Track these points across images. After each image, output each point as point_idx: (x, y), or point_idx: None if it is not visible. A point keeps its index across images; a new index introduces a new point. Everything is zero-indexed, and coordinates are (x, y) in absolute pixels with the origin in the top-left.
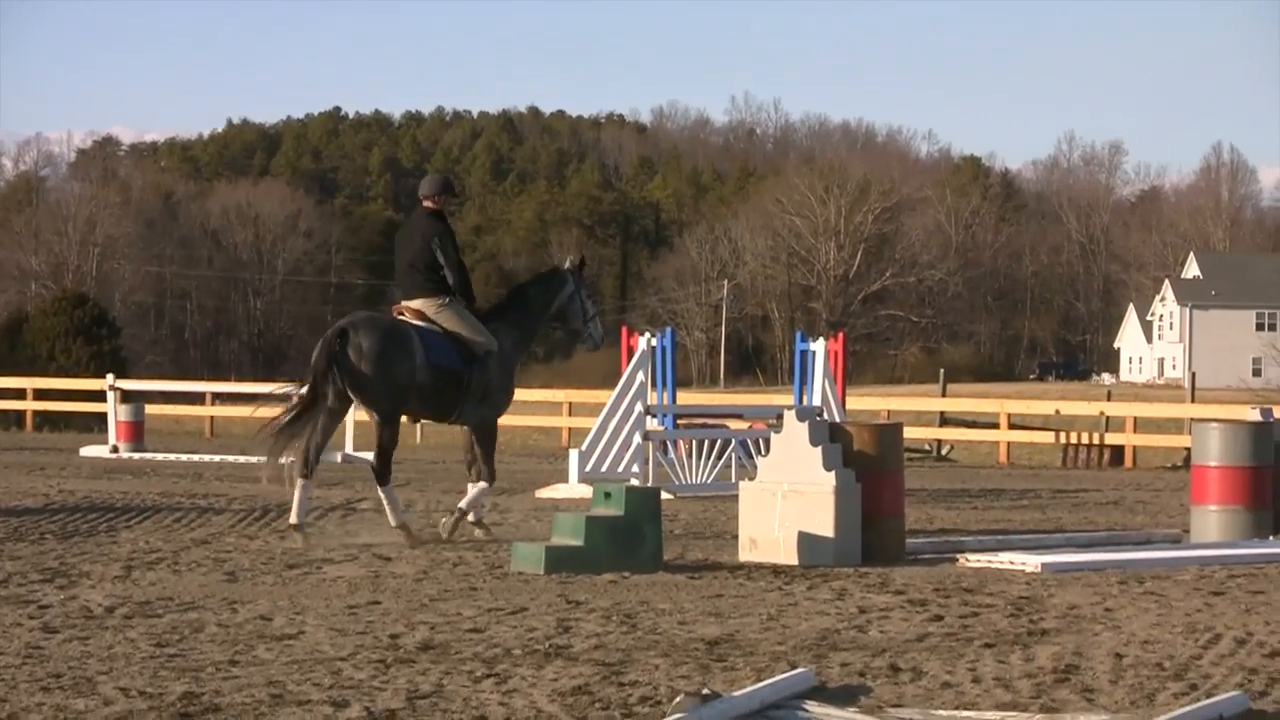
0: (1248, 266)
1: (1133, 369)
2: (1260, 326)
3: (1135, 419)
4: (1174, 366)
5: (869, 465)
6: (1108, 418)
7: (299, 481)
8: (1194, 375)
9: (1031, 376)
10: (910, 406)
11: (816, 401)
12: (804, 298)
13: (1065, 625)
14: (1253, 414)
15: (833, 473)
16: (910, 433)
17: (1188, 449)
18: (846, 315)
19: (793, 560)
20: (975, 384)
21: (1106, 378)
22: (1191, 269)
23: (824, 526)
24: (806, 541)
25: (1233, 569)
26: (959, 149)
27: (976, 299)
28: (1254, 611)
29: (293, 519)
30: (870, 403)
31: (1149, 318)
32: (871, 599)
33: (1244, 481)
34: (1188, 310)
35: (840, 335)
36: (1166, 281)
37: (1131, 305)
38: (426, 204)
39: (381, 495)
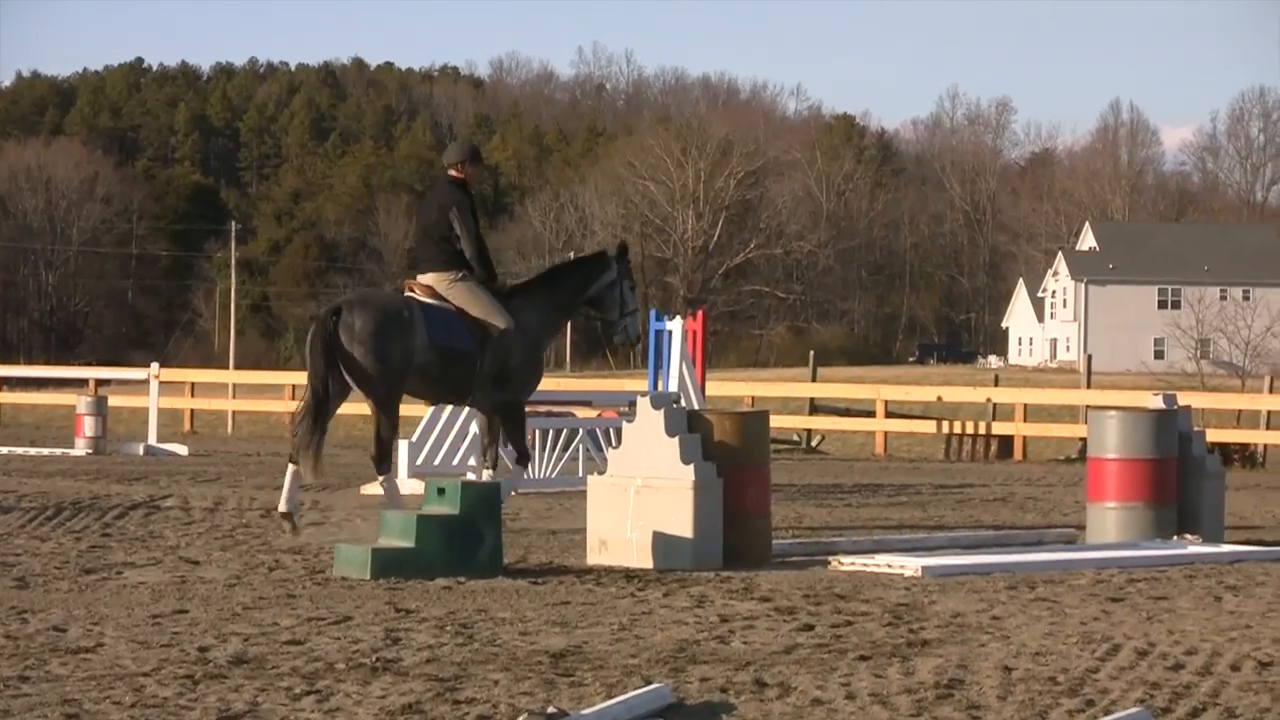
0: (1149, 237)
1: (1022, 351)
2: (1163, 303)
3: (1025, 406)
4: (1068, 348)
5: (732, 458)
6: (995, 405)
7: (290, 467)
8: (1090, 358)
9: (911, 359)
10: (777, 392)
11: (673, 387)
12: (659, 271)
13: (948, 635)
14: (1155, 401)
15: (691, 466)
16: (777, 421)
17: (1083, 440)
18: (706, 291)
19: (647, 563)
20: (849, 367)
21: (993, 361)
22: (1087, 240)
23: (682, 526)
24: (662, 542)
25: (1133, 572)
26: (830, 107)
27: (850, 273)
28: (1156, 619)
29: (281, 506)
30: (733, 388)
31: (1040, 294)
32: (734, 606)
33: (1145, 476)
34: (1083, 286)
35: (699, 313)
36: (1060, 254)
37: (1021, 280)
38: (451, 172)
39: (382, 486)
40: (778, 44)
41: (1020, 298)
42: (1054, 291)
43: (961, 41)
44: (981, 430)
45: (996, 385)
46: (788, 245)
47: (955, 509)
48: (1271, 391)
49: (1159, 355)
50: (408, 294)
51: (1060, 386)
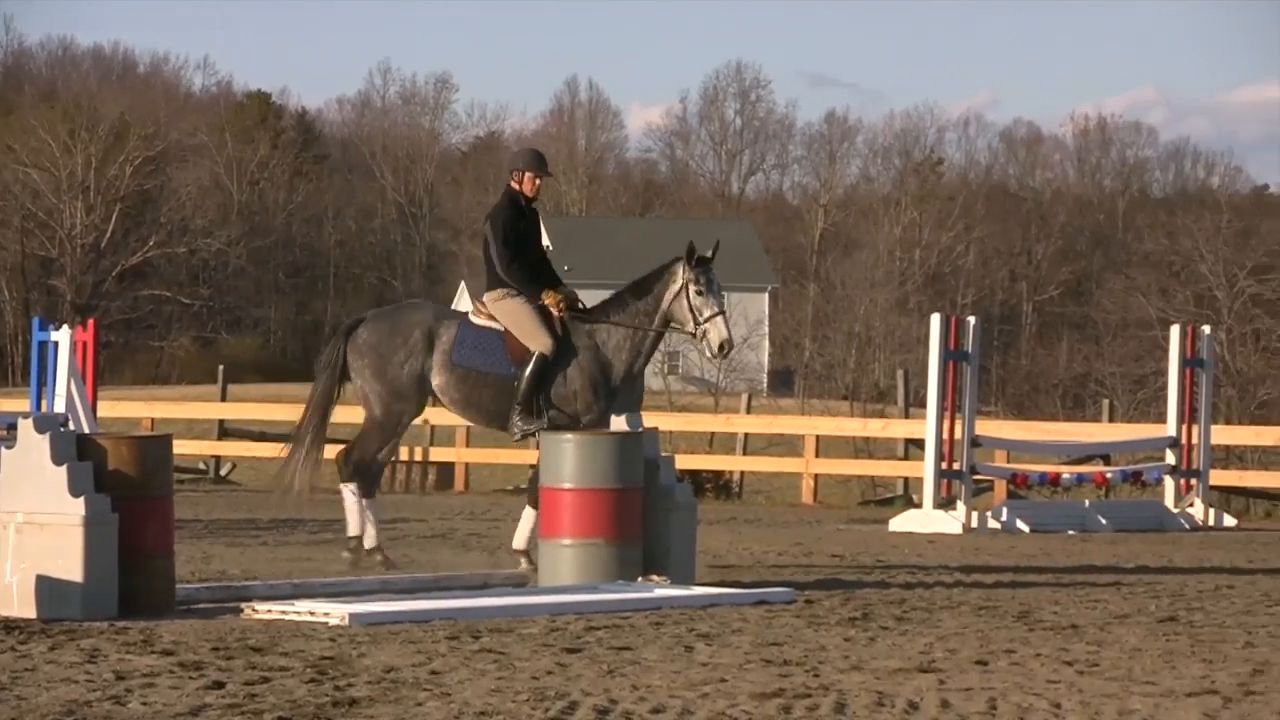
0: (609, 234)
1: None
2: None
3: (468, 429)
4: None
5: (129, 489)
6: (433, 428)
7: (362, 502)
8: None
9: None
10: (181, 414)
11: (60, 407)
12: (43, 273)
13: (380, 693)
14: (616, 422)
15: (81, 499)
16: (181, 447)
17: (534, 466)
18: (98, 296)
19: (30, 612)
20: (265, 384)
21: None
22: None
23: (70, 569)
24: (47, 588)
25: (592, 619)
26: (243, 83)
27: (265, 276)
28: (618, 673)
29: (367, 543)
30: (130, 408)
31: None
32: (132, 661)
33: (605, 508)
34: None
35: (90, 322)
36: None
37: (464, 284)
38: (510, 183)
39: (344, 496)
40: (180, 8)
41: (462, 303)
42: None
43: (395, 7)
44: (418, 456)
45: (434, 405)
46: (193, 243)
47: (388, 547)
48: (749, 411)
49: None
50: (471, 313)
51: None
